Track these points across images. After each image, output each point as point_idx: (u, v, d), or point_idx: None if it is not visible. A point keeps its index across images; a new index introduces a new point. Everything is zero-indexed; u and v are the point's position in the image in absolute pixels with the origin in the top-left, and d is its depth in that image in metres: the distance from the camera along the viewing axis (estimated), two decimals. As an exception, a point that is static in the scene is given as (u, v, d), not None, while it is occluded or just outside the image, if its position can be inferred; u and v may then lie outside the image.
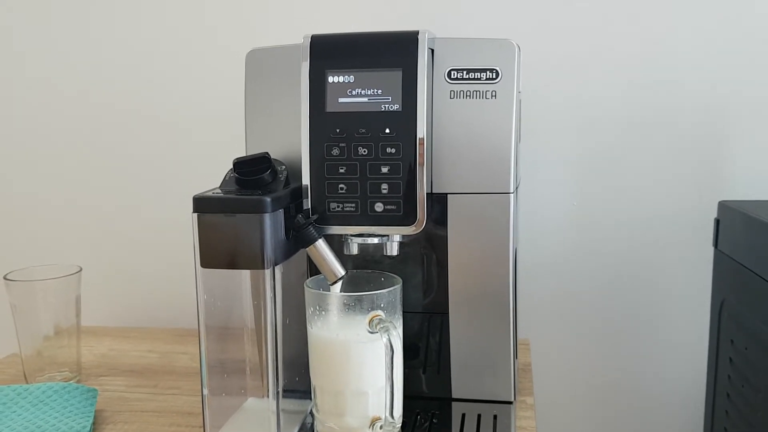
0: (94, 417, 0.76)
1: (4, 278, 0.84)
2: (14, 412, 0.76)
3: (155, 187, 1.12)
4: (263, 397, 0.67)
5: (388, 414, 0.62)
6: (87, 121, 1.12)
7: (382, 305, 0.63)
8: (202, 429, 0.68)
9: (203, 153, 1.08)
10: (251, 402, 0.72)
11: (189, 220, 0.61)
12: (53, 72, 1.12)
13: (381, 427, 0.63)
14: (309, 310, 0.66)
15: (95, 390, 0.80)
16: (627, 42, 0.99)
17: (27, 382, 0.85)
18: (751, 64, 0.97)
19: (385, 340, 0.60)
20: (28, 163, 1.16)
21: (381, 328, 0.61)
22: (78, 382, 0.86)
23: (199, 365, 0.67)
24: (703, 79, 0.98)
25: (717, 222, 0.93)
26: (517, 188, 0.72)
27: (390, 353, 0.60)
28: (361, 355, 0.63)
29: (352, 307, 0.63)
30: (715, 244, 0.94)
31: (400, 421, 0.64)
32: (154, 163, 1.11)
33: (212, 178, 0.67)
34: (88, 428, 0.73)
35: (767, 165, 0.99)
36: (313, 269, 0.69)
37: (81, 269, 0.88)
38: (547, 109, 1.01)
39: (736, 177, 1.00)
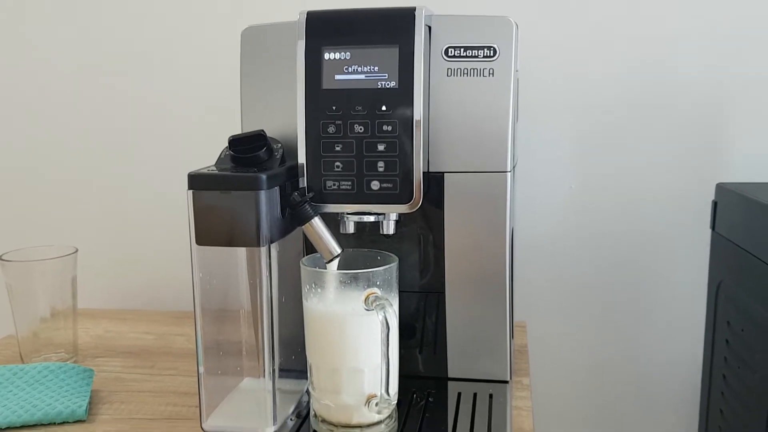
0: (91, 397, 0.76)
1: (0, 259, 0.83)
2: (10, 391, 0.76)
3: (151, 167, 1.11)
4: (259, 377, 0.67)
5: (383, 391, 0.61)
6: (82, 99, 1.12)
7: (378, 283, 0.63)
8: (198, 408, 0.68)
9: (199, 131, 1.07)
10: (247, 382, 0.72)
11: (185, 199, 0.61)
12: (49, 51, 1.11)
13: (377, 404, 0.63)
14: (305, 288, 0.65)
15: (91, 370, 0.80)
16: (626, 23, 0.98)
17: (23, 363, 0.85)
18: (749, 47, 0.97)
19: (381, 317, 0.60)
20: (23, 143, 1.15)
21: (377, 305, 0.60)
22: (74, 362, 0.86)
23: (195, 350, 0.67)
24: (702, 61, 0.98)
25: (714, 204, 0.93)
26: (514, 168, 0.72)
27: (386, 330, 0.60)
28: (357, 329, 0.63)
29: (348, 284, 0.63)
30: (713, 226, 0.94)
31: (396, 398, 0.64)
32: (151, 142, 1.11)
33: (208, 157, 0.67)
34: (84, 408, 0.73)
35: (764, 148, 0.99)
36: (309, 248, 0.69)
37: (77, 250, 0.87)
38: (544, 90, 1.00)
39: (734, 160, 1.00)
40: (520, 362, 0.85)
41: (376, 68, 0.64)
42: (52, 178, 1.15)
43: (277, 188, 0.63)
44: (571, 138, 1.02)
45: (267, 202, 0.61)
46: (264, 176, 0.60)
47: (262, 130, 0.63)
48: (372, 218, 0.68)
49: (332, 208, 0.67)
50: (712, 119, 0.99)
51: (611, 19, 0.98)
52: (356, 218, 0.69)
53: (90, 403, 0.76)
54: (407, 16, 0.64)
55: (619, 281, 1.05)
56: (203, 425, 0.67)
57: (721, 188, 0.92)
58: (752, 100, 0.98)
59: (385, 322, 0.60)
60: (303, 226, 0.65)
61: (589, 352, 1.07)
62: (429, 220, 0.73)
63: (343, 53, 0.65)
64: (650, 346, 1.05)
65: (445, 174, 0.70)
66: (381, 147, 0.64)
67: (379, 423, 0.65)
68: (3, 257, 0.84)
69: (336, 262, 0.66)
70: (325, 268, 0.66)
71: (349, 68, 0.65)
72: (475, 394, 0.72)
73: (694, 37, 0.97)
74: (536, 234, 1.04)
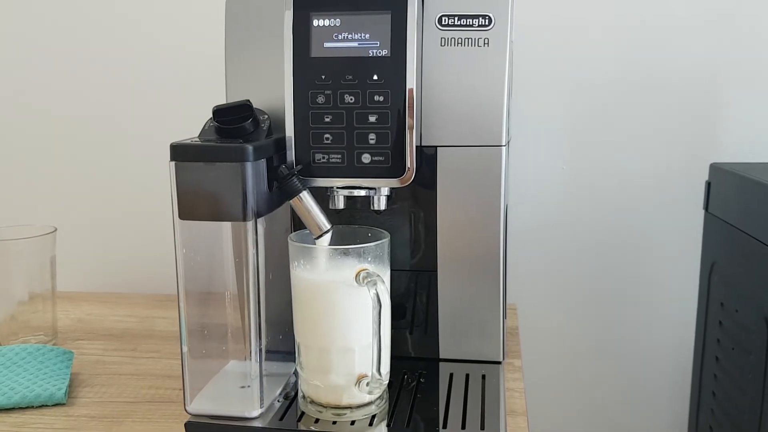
0: (70, 379, 0.74)
1: (-25, 238, 0.81)
2: (-14, 374, 0.73)
3: (134, 142, 1.08)
4: (245, 359, 0.65)
5: (375, 371, 0.60)
6: (61, 75, 1.08)
7: (369, 259, 0.61)
8: (182, 391, 0.65)
9: (182, 105, 1.04)
10: (233, 365, 0.70)
11: (168, 174, 0.58)
12: (26, 30, 1.08)
13: (368, 384, 0.61)
14: (293, 265, 0.63)
15: (71, 352, 0.78)
16: (621, 2, 0.96)
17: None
18: (743, 26, 0.96)
19: (372, 293, 0.58)
20: (0, 122, 1.11)
21: (368, 281, 0.58)
22: (54, 345, 0.83)
23: (178, 329, 0.64)
24: (696, 41, 0.97)
25: (708, 184, 0.92)
26: (508, 143, 0.70)
27: (378, 307, 0.58)
28: (347, 301, 0.60)
29: (338, 260, 0.61)
30: (706, 206, 0.93)
31: (387, 378, 0.62)
32: (132, 117, 1.08)
33: (191, 131, 0.64)
34: (63, 390, 0.71)
35: (757, 128, 0.98)
36: (297, 224, 0.67)
37: (56, 229, 0.84)
38: (535, 69, 0.99)
39: (727, 140, 0.99)
40: (511, 344, 0.84)
41: (367, 35, 0.62)
42: (30, 155, 1.12)
43: (263, 160, 0.60)
44: (562, 118, 1.00)
45: (253, 174, 0.59)
46: (250, 147, 0.58)
47: (248, 100, 0.61)
48: (363, 193, 0.66)
49: (321, 182, 0.65)
50: (705, 99, 0.98)
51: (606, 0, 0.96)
52: (346, 192, 0.66)
53: (69, 386, 0.73)
54: (400, -20, 0.62)
55: (611, 263, 1.03)
56: (187, 408, 0.65)
57: (714, 168, 0.91)
58: (745, 80, 0.97)
59: (376, 298, 0.58)
60: (291, 201, 0.63)
61: (580, 334, 1.06)
62: (421, 195, 0.70)
63: (332, 20, 0.62)
64: (642, 327, 1.05)
65: (438, 148, 0.67)
66: (372, 118, 0.62)
67: (369, 404, 0.64)
68: (-22, 236, 0.81)
69: (325, 237, 0.63)
70: (314, 244, 0.64)
71: (339, 35, 0.62)
72: (467, 375, 0.71)
73: (688, 16, 0.96)
74: (527, 215, 1.03)
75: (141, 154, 1.08)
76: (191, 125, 0.67)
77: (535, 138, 1.01)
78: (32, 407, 0.70)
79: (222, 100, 0.68)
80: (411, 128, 0.62)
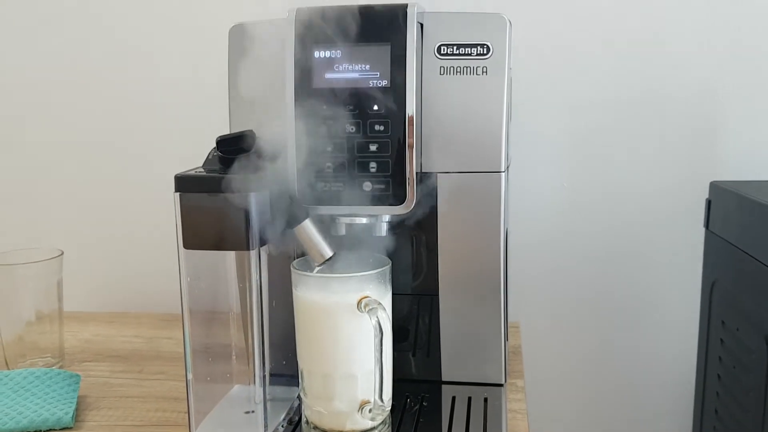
0: (77, 403, 0.75)
1: (-16, 262, 0.82)
2: (-6, 398, 0.74)
3: (139, 168, 1.09)
4: (250, 383, 0.65)
5: (377, 397, 0.60)
6: (67, 100, 1.10)
7: (371, 286, 0.62)
8: (187, 415, 0.66)
9: (186, 132, 1.05)
10: (237, 389, 0.71)
11: (172, 201, 0.59)
12: (31, 52, 1.09)
13: (370, 411, 0.62)
14: (296, 292, 0.64)
15: (78, 375, 0.79)
16: (620, 20, 0.97)
17: (8, 369, 0.83)
18: (743, 43, 0.96)
19: (374, 321, 0.59)
20: (7, 144, 1.13)
21: (370, 309, 0.59)
22: (61, 367, 0.84)
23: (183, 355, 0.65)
24: (696, 59, 0.97)
25: (708, 203, 0.93)
26: (508, 167, 0.71)
27: (379, 335, 0.59)
28: (349, 325, 0.61)
29: (340, 287, 0.62)
30: (706, 224, 0.93)
31: (390, 404, 0.63)
32: (138, 143, 1.09)
33: (196, 158, 0.65)
34: (70, 414, 0.71)
35: (757, 146, 0.98)
36: (300, 250, 0.68)
37: (62, 253, 0.85)
38: (535, 88, 0.99)
39: (727, 158, 0.99)
40: (514, 363, 0.84)
41: (368, 66, 0.63)
42: (37, 179, 1.13)
43: (266, 190, 0.61)
44: (563, 136, 1.01)
45: (256, 204, 0.60)
46: (253, 177, 0.59)
47: (251, 130, 0.62)
48: (364, 220, 0.67)
49: (323, 210, 0.66)
50: (705, 117, 0.98)
51: (603, 16, 0.97)
52: (347, 220, 0.67)
53: (77, 409, 0.74)
54: (399, 13, 0.63)
55: (612, 281, 1.04)
56: (192, 434, 0.65)
57: (715, 186, 0.92)
58: (746, 98, 0.97)
59: (378, 326, 0.59)
60: (294, 229, 0.64)
61: (582, 352, 1.06)
62: (421, 221, 0.71)
63: (333, 51, 0.63)
64: (644, 345, 1.05)
65: (437, 174, 0.68)
66: (373, 147, 0.63)
67: (372, 429, 0.64)
68: (-14, 260, 0.82)
69: (328, 264, 0.64)
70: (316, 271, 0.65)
71: (340, 66, 0.63)
72: (469, 398, 0.71)
73: (687, 34, 0.96)
74: (529, 233, 1.03)
75: (146, 177, 1.09)
76: (195, 151, 0.68)
77: (536, 155, 1.01)
78: (40, 431, 0.71)
79: (225, 130, 0.69)
80: (411, 156, 0.63)
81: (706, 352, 0.93)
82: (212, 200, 0.59)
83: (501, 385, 0.74)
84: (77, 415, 0.73)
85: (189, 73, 1.05)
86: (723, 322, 0.88)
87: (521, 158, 1.00)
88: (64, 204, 1.13)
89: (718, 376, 0.89)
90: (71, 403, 0.74)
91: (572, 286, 1.05)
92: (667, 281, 1.03)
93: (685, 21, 0.96)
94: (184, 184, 0.60)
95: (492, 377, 0.73)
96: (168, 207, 0.61)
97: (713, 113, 0.98)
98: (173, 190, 0.60)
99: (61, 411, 0.72)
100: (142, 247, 1.12)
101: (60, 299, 0.86)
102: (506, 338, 0.74)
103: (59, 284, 0.86)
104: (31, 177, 1.13)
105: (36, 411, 0.72)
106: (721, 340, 0.88)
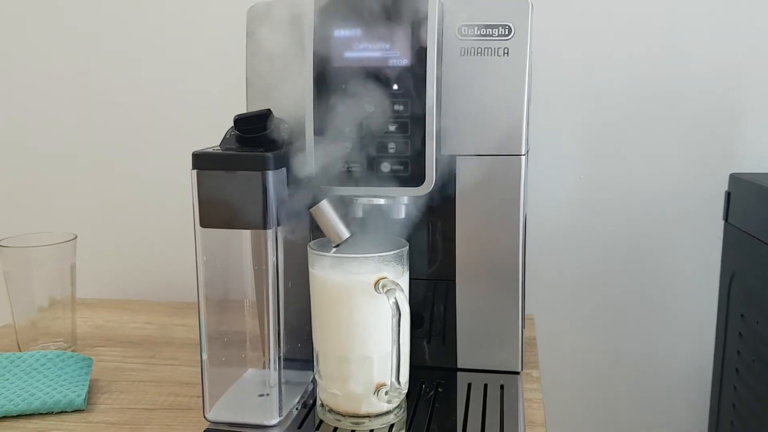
0: (89, 386, 0.74)
1: (-2, 244, 0.81)
2: (7, 380, 0.74)
3: (154, 151, 1.09)
4: (264, 367, 0.65)
5: (394, 379, 0.60)
6: (82, 84, 1.10)
7: (388, 268, 0.61)
8: (201, 398, 0.65)
9: (203, 112, 1.05)
10: (251, 372, 0.70)
11: (189, 184, 0.59)
12: (47, 35, 1.09)
13: (386, 393, 0.61)
14: (312, 272, 0.63)
15: (90, 359, 0.78)
16: (640, 11, 0.96)
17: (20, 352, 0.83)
18: (762, 34, 0.95)
19: (391, 301, 0.58)
20: (22, 130, 1.13)
21: (387, 290, 0.58)
22: (73, 351, 0.84)
23: (198, 337, 0.64)
24: (715, 50, 0.96)
25: (728, 195, 0.91)
26: (527, 152, 0.70)
27: (397, 315, 0.58)
28: (366, 307, 0.60)
29: (357, 268, 0.61)
30: (726, 217, 0.92)
31: (407, 387, 0.62)
32: (153, 125, 1.08)
33: (212, 140, 0.65)
34: (82, 397, 0.71)
35: (778, 138, 0.97)
36: (317, 231, 0.67)
37: (76, 237, 0.85)
38: (554, 80, 0.98)
39: (747, 150, 0.98)
40: (529, 355, 0.83)
41: (388, 46, 0.62)
42: (51, 163, 1.13)
43: (284, 169, 0.61)
44: (581, 128, 1.00)
45: (274, 182, 0.59)
46: (271, 156, 0.59)
47: (269, 109, 0.61)
48: (382, 201, 0.66)
49: (341, 190, 0.65)
50: (724, 108, 0.97)
51: (624, 9, 0.96)
52: (365, 201, 0.66)
53: (89, 392, 0.74)
54: (420, -8, 0.62)
55: (629, 273, 1.03)
56: (206, 415, 0.65)
57: (734, 178, 0.91)
58: (765, 90, 0.96)
59: (396, 306, 0.58)
60: (311, 209, 0.63)
61: (598, 345, 1.05)
62: (440, 204, 0.70)
63: (353, 30, 0.63)
64: (661, 338, 1.04)
65: (457, 157, 0.67)
66: (392, 127, 0.62)
67: (388, 413, 0.63)
68: (0, 243, 0.82)
69: (345, 245, 0.64)
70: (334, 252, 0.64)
71: (360, 45, 0.63)
72: (485, 385, 0.70)
73: (706, 27, 0.96)
74: (545, 225, 1.02)
75: (161, 161, 1.09)
76: (212, 134, 0.67)
77: (554, 148, 1.00)
78: (52, 413, 0.70)
79: (243, 109, 0.68)
80: (430, 137, 0.62)
81: (724, 345, 0.92)
82: (229, 178, 0.59)
83: (517, 373, 0.73)
84: (89, 398, 0.73)
85: (207, 51, 1.05)
86: (742, 315, 0.86)
87: (539, 151, 0.99)
88: (78, 190, 1.12)
89: (736, 369, 0.87)
90: (83, 385, 0.73)
91: (589, 279, 1.04)
92: (685, 273, 1.02)
93: (705, 12, 0.95)
94: (201, 161, 0.59)
95: (508, 365, 0.73)
96: (184, 194, 0.60)
97: (733, 104, 0.97)
98: (190, 167, 0.59)
99: (74, 393, 0.71)
100: (157, 235, 1.11)
101: (73, 284, 0.86)
102: (524, 324, 0.73)
103: (72, 268, 0.86)
104: (45, 162, 1.13)
105: (48, 393, 0.71)
106: (740, 333, 0.87)
